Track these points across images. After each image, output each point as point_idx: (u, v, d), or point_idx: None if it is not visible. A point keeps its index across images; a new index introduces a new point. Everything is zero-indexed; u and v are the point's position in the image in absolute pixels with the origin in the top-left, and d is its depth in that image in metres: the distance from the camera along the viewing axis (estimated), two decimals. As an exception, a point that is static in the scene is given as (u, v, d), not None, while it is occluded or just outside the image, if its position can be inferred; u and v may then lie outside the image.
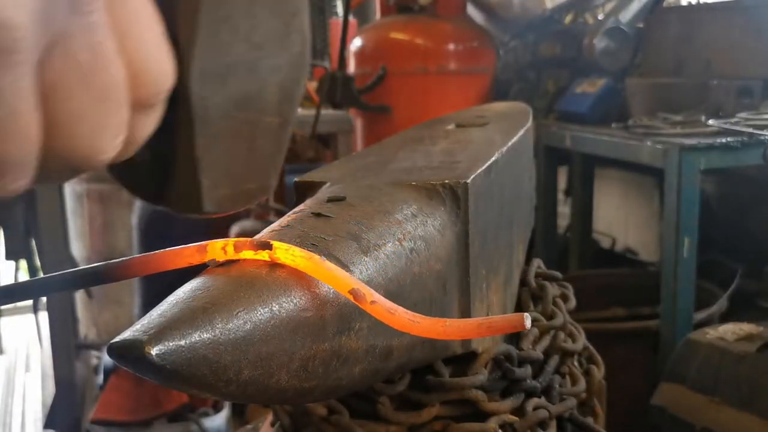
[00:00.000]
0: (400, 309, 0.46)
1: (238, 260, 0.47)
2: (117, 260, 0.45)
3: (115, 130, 0.33)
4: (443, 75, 2.92)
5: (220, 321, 0.42)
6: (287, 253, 0.46)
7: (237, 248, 0.45)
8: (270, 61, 0.42)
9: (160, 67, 0.34)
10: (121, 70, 0.33)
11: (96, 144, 0.33)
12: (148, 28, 0.34)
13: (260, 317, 0.44)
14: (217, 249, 0.45)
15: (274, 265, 0.48)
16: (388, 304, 0.46)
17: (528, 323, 0.44)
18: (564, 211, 3.34)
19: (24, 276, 3.07)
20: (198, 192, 0.42)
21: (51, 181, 0.35)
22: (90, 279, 0.46)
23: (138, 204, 3.16)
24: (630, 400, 1.88)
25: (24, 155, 0.31)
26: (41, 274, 2.74)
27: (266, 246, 0.46)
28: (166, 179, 0.42)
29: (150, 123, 0.36)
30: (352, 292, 0.46)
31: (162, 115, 0.37)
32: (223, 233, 2.65)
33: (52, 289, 0.47)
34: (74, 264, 3.05)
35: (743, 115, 2.05)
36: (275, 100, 0.44)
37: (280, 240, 0.55)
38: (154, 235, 3.00)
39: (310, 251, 0.48)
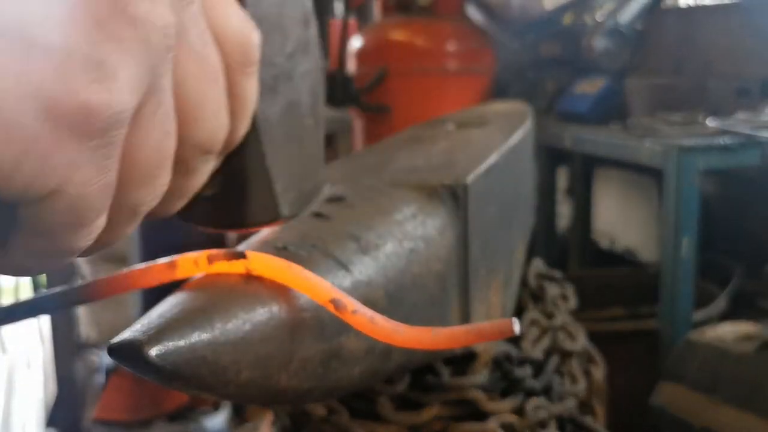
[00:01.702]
0: (382, 319, 0.45)
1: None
2: (87, 282, 0.46)
3: (224, 109, 0.35)
4: (443, 75, 2.92)
5: (219, 321, 0.42)
6: (263, 263, 0.45)
7: (210, 260, 0.44)
8: (300, 68, 0.44)
9: (247, 39, 0.35)
10: (217, 52, 0.34)
11: (218, 124, 0.34)
12: (228, 4, 0.35)
13: (259, 318, 0.44)
14: (189, 263, 0.44)
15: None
16: (370, 313, 0.45)
17: (517, 328, 0.43)
18: (564, 211, 3.34)
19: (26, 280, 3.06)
20: (274, 200, 0.44)
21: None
22: (61, 302, 0.46)
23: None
24: (629, 400, 1.88)
25: (170, 149, 0.32)
26: (42, 275, 2.74)
27: (240, 256, 0.45)
28: (242, 199, 0.43)
29: (252, 89, 0.37)
30: (333, 302, 0.45)
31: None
32: (222, 234, 2.64)
33: (22, 316, 0.47)
34: (75, 264, 3.05)
35: (742, 115, 2.05)
36: (309, 103, 0.46)
37: (282, 243, 0.55)
38: (155, 237, 3.00)
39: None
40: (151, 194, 0.32)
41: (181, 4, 0.30)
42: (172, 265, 0.43)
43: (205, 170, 0.36)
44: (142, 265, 0.44)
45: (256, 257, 0.45)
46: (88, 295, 0.46)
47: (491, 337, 0.45)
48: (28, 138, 0.25)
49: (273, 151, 0.43)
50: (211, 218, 0.44)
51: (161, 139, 0.31)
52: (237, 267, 0.45)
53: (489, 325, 0.45)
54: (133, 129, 0.29)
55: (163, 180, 0.32)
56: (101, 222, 0.30)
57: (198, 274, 0.45)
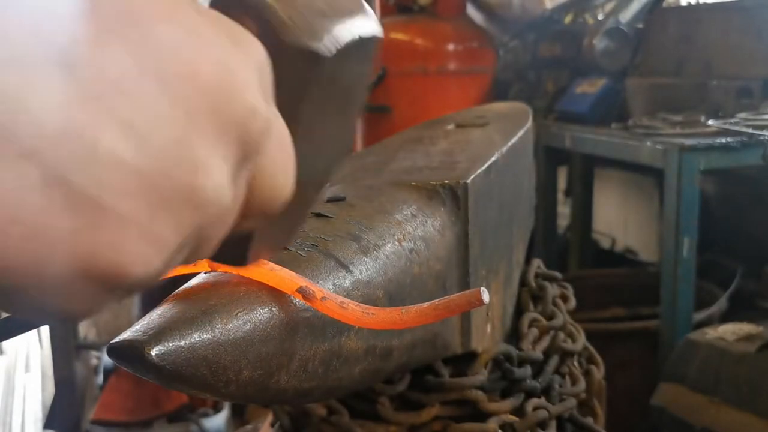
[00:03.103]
0: (352, 303, 0.45)
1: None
2: None
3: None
4: (443, 75, 2.92)
5: (219, 321, 0.42)
6: None
7: None
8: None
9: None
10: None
11: (287, 184, 0.34)
12: None
13: (260, 318, 0.44)
14: None
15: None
16: (339, 299, 0.45)
17: (486, 297, 0.43)
18: (564, 211, 3.34)
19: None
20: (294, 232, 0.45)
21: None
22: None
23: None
24: (630, 400, 1.88)
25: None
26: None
27: None
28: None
29: None
30: (301, 290, 0.44)
31: None
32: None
33: (19, 330, 0.46)
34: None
35: (743, 115, 2.05)
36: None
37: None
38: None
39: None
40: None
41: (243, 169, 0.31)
42: None
43: None
44: None
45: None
46: None
47: (461, 308, 0.45)
48: (63, 290, 0.26)
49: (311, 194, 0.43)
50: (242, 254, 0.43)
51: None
52: (201, 266, 0.44)
53: (457, 297, 0.45)
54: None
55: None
56: None
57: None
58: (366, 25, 0.40)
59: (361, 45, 0.39)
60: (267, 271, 0.45)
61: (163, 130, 0.26)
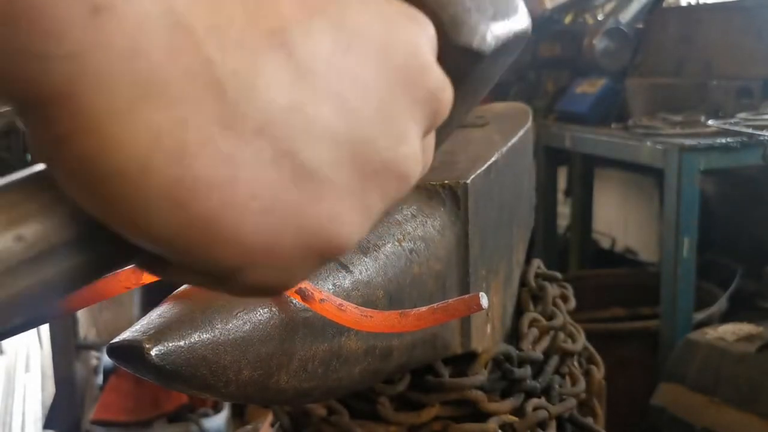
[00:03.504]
0: (350, 306, 0.45)
1: None
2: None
3: None
4: (443, 75, 2.91)
5: (219, 321, 0.42)
6: None
7: None
8: None
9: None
10: None
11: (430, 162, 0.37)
12: None
13: (259, 317, 0.44)
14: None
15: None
16: (338, 301, 0.45)
17: (485, 302, 0.42)
18: (564, 211, 3.34)
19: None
20: None
21: None
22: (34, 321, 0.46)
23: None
24: (630, 400, 1.88)
25: None
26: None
27: None
28: None
29: None
30: (299, 292, 0.44)
31: None
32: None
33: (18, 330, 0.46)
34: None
35: (743, 115, 2.05)
36: None
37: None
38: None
39: None
40: None
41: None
42: (137, 271, 0.42)
43: None
44: (109, 275, 0.42)
45: None
46: (68, 306, 0.45)
47: (460, 313, 0.44)
48: (289, 263, 0.27)
49: None
50: None
51: None
52: None
53: (455, 301, 0.45)
54: None
55: None
56: None
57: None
58: (521, 20, 0.41)
59: (515, 40, 0.40)
60: None
61: (370, 103, 0.27)
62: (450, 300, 0.45)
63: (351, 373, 0.55)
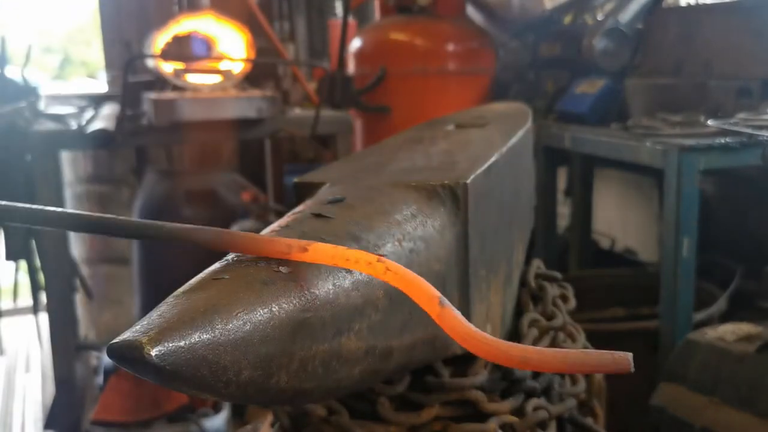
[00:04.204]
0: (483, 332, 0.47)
1: (243, 261, 0.47)
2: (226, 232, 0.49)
3: None
4: (443, 75, 2.92)
5: (219, 322, 0.42)
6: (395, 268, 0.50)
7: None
8: None
9: None
10: None
11: None
12: None
13: (260, 318, 0.44)
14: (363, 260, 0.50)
15: (275, 266, 0.47)
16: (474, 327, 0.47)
17: (632, 366, 0.43)
18: (564, 211, 3.34)
19: (24, 277, 3.07)
20: None
21: None
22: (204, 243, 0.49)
23: (138, 204, 3.16)
24: (630, 400, 1.88)
25: None
26: (41, 275, 2.74)
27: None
28: None
29: None
30: (441, 302, 0.48)
31: None
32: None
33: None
34: (74, 264, 3.05)
35: (742, 115, 2.05)
36: None
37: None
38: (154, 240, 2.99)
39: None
40: None
41: None
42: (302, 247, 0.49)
43: None
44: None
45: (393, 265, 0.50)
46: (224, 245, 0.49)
47: (601, 369, 0.45)
48: None
49: None
50: None
51: None
52: (379, 268, 0.50)
53: (598, 354, 0.44)
54: None
55: None
56: None
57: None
58: None
59: None
60: (412, 277, 0.49)
61: None
62: (591, 351, 0.45)
63: (351, 374, 0.55)
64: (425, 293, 0.48)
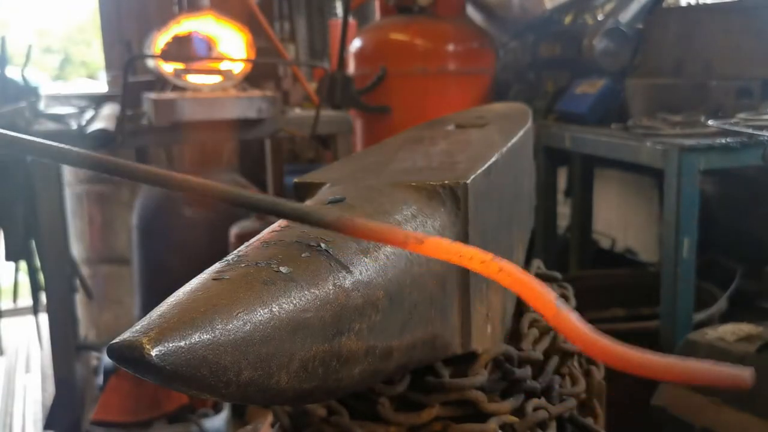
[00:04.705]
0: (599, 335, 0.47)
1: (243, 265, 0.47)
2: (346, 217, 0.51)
3: None
4: (443, 76, 2.92)
5: (219, 322, 0.42)
6: (509, 269, 0.51)
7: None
8: None
9: None
10: None
11: None
12: None
13: (260, 318, 0.44)
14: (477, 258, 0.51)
15: (275, 266, 0.47)
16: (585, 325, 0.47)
17: (750, 381, 0.43)
18: (564, 211, 3.34)
19: (24, 277, 3.07)
20: None
21: None
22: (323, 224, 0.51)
23: (138, 204, 3.16)
24: (630, 400, 1.88)
25: None
26: (41, 275, 2.74)
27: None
28: None
29: None
30: (558, 304, 0.49)
31: None
32: (224, 233, 2.64)
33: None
34: (74, 265, 3.05)
35: (743, 115, 2.05)
36: None
37: (281, 239, 0.55)
38: (154, 236, 2.99)
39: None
40: None
41: None
42: (420, 240, 0.50)
43: None
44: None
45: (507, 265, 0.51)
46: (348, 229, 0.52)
47: (719, 383, 0.45)
48: None
49: None
50: None
51: None
52: (491, 267, 0.50)
53: (718, 369, 0.45)
54: None
55: None
56: None
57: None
58: None
59: None
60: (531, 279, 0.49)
61: None
62: (710, 364, 0.46)
63: (351, 374, 0.55)
64: (540, 296, 0.48)
